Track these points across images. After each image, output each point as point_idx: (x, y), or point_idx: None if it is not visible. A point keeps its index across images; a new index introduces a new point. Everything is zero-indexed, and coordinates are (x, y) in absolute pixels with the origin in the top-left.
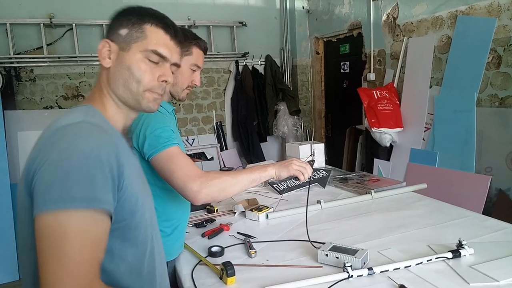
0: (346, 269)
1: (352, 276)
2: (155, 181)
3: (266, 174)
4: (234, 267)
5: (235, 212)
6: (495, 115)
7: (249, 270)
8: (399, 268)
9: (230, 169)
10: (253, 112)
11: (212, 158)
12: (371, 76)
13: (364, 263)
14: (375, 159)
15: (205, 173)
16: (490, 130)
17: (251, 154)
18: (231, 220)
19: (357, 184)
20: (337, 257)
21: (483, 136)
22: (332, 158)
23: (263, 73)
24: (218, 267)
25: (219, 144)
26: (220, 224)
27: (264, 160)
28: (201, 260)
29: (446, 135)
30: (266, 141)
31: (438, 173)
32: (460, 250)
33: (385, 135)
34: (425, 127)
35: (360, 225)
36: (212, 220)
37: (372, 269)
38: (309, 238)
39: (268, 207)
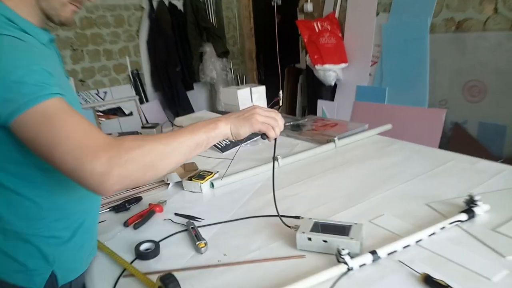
0: (343, 258)
1: (352, 268)
2: (26, 161)
3: (216, 133)
4: (180, 276)
5: (169, 184)
6: (450, 42)
7: (201, 276)
8: (408, 246)
9: (154, 126)
10: (175, 56)
11: (131, 113)
12: (309, 7)
13: (362, 245)
14: (318, 100)
15: (116, 141)
16: (445, 59)
17: (176, 105)
18: (164, 195)
19: (314, 131)
20: (325, 241)
21: (437, 66)
22: (268, 103)
23: (182, 9)
24: (156, 280)
25: (137, 96)
26: (150, 204)
27: (193, 111)
28: (125, 269)
29: (395, 68)
30: (193, 88)
31: (387, 110)
32: (473, 209)
33: (330, 72)
34: (371, 61)
35: (334, 185)
36: (137, 199)
37: (376, 252)
38: (278, 213)
39: (212, 173)
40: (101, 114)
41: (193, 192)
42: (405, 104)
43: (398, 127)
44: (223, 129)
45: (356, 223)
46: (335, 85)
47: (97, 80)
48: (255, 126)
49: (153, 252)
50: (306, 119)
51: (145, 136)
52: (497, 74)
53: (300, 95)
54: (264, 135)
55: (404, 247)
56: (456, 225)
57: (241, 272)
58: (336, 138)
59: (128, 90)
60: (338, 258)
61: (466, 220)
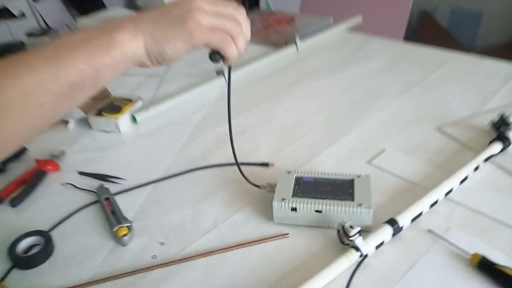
0: (351, 240)
1: (367, 255)
2: None
3: (114, 57)
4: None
5: (67, 122)
6: None
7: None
8: (436, 202)
9: (45, 33)
10: None
11: (23, 15)
12: None
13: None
14: None
15: None
16: None
17: (84, 1)
18: (61, 142)
19: (265, 29)
20: (318, 211)
21: None
22: None
23: None
24: None
25: None
26: (38, 160)
27: (105, 7)
28: None
29: None
30: None
31: None
32: (507, 134)
33: None
34: None
35: (306, 107)
36: (17, 154)
37: (395, 221)
38: (236, 161)
39: (131, 100)
40: None
41: (107, 132)
42: None
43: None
44: (128, 48)
45: (359, 175)
46: None
47: None
48: (197, 37)
49: (42, 253)
50: (249, 14)
51: None
52: None
53: None
54: (216, 54)
55: (432, 205)
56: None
57: (192, 275)
58: (297, 38)
59: None
60: (343, 239)
61: (499, 153)
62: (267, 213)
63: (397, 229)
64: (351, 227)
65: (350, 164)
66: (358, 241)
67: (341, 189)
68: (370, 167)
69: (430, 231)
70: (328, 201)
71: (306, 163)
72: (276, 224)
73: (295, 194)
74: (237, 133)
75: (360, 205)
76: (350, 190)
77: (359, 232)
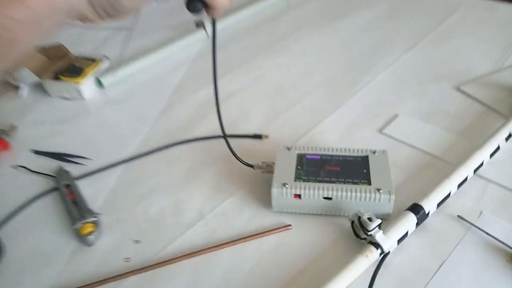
0: (370, 234)
1: (389, 252)
2: None
3: (37, 3)
4: None
5: (19, 88)
6: None
7: None
8: (465, 180)
9: None
10: None
11: None
12: None
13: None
14: None
15: None
16: None
17: None
18: (12, 114)
19: None
20: (328, 198)
21: None
22: None
23: None
24: None
25: None
26: None
27: None
28: None
29: None
30: None
31: None
32: None
33: None
34: None
35: (301, 65)
36: None
37: (420, 207)
38: (224, 135)
39: (95, 60)
40: None
41: (67, 100)
42: None
43: None
44: None
45: (374, 151)
46: None
47: None
48: None
49: None
50: None
51: None
52: None
53: None
54: (197, 1)
55: (460, 185)
56: None
57: (175, 282)
58: None
59: None
60: (359, 233)
61: None
62: (264, 199)
63: (422, 217)
64: (370, 219)
65: (359, 134)
66: (379, 236)
67: (354, 168)
68: (382, 137)
69: (460, 217)
70: (340, 186)
71: (306, 133)
72: (275, 213)
73: (298, 177)
74: (223, 98)
75: (378, 190)
76: (365, 170)
77: (379, 226)
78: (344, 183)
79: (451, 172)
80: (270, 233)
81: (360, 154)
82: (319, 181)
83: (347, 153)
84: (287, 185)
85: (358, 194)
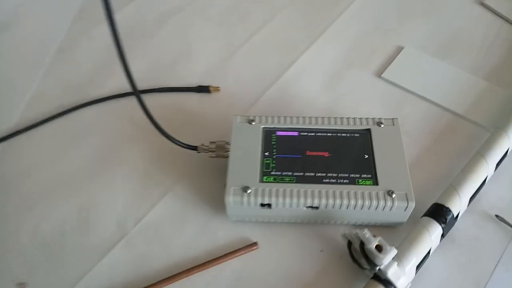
0: (381, 270)
1: None
2: None
3: None
4: None
5: None
6: None
7: None
8: (505, 156)
9: None
10: None
11: None
12: None
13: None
14: None
15: None
16: None
17: None
18: None
19: None
20: (313, 208)
21: None
22: None
23: None
24: None
25: None
26: None
27: None
28: None
29: None
30: None
31: None
32: None
33: None
34: None
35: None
36: None
37: (446, 210)
38: (136, 91)
39: None
40: None
41: None
42: None
43: None
44: None
45: (379, 121)
46: None
47: None
48: None
49: None
50: None
51: None
52: None
53: None
54: None
55: (498, 164)
56: None
57: None
58: None
59: None
60: (361, 263)
61: None
62: (215, 199)
63: (449, 224)
64: (379, 247)
65: (349, 81)
66: (393, 271)
67: (350, 152)
68: (382, 85)
69: (499, 218)
70: (330, 188)
71: (271, 85)
72: (233, 222)
73: (267, 171)
74: (150, 26)
75: (389, 193)
76: (366, 155)
77: (396, 260)
78: (337, 183)
79: (486, 144)
80: (226, 259)
81: (358, 126)
82: (299, 179)
83: (338, 126)
84: (249, 190)
85: (359, 201)
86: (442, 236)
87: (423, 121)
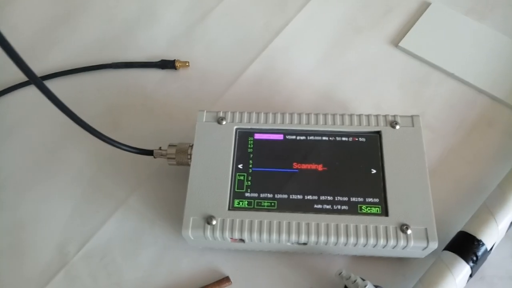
0: None
1: None
2: None
3: None
4: None
5: None
6: None
7: None
8: None
9: None
10: None
11: None
12: None
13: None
14: None
15: None
16: None
17: None
18: None
19: None
20: (301, 244)
21: None
22: None
23: None
24: None
25: None
26: None
27: None
28: None
29: None
30: None
31: None
32: None
33: None
34: None
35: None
36: None
37: (476, 241)
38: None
39: None
40: None
41: None
42: None
43: None
44: None
45: (394, 120)
46: None
47: None
48: None
49: None
50: None
51: None
52: None
53: None
54: None
55: None
56: None
57: None
58: None
59: None
60: None
61: None
62: (176, 217)
63: (481, 260)
64: None
65: (355, 52)
66: None
67: (352, 167)
68: (399, 56)
69: None
70: (323, 219)
71: (254, 59)
72: (196, 251)
73: (240, 194)
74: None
75: (403, 228)
76: (374, 171)
77: None
78: (332, 210)
79: None
80: None
81: (364, 127)
82: (281, 205)
83: (338, 126)
84: (214, 221)
85: (361, 239)
86: (470, 276)
87: (450, 109)
